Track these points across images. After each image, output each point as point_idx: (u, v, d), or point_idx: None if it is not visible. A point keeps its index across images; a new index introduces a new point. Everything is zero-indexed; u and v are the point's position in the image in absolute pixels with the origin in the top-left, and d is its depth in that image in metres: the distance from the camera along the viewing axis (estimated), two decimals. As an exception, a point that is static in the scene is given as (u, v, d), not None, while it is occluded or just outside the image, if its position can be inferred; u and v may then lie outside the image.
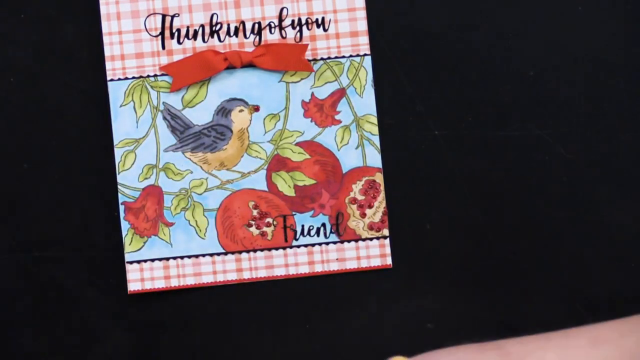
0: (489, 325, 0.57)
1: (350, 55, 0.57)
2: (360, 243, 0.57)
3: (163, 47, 0.57)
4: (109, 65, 0.57)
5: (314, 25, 0.57)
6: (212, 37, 0.57)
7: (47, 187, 0.57)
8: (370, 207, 0.57)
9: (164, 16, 0.57)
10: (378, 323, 0.57)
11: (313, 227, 0.57)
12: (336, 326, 0.57)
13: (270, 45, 0.57)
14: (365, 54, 0.58)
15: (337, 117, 0.57)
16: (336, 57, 0.58)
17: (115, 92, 0.57)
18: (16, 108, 0.57)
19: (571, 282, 0.57)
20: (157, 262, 0.57)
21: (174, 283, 0.57)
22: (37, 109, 0.57)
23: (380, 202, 0.57)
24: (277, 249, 0.57)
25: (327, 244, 0.57)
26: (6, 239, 0.57)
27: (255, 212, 0.57)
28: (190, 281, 0.57)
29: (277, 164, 0.57)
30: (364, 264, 0.57)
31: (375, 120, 0.57)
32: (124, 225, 0.57)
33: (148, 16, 0.57)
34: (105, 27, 0.57)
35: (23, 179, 0.57)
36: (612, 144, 0.57)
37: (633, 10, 0.58)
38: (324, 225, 0.57)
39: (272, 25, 0.57)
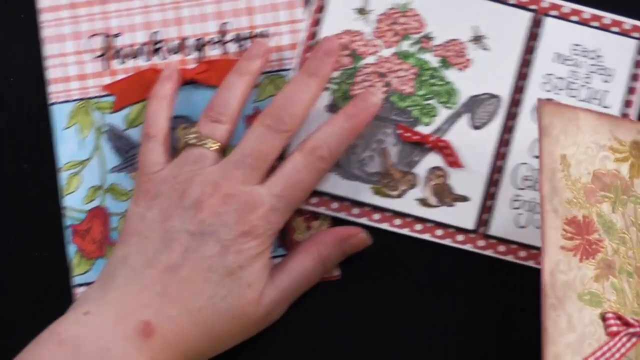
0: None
1: (292, 68, 0.57)
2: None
3: (106, 68, 0.57)
4: (51, 88, 0.57)
5: (256, 38, 0.57)
6: (155, 55, 0.57)
7: (-7, 213, 0.57)
8: (316, 219, 0.57)
9: (106, 36, 0.57)
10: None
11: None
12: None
13: (212, 61, 0.57)
14: (307, 66, 0.57)
15: (281, 130, 0.57)
16: (278, 70, 0.57)
17: (59, 115, 0.57)
18: (-39, 135, 0.57)
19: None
20: (106, 284, 0.56)
21: (124, 305, 0.56)
22: (-20, 135, 0.57)
23: (325, 217, 0.57)
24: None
25: (275, 257, 0.57)
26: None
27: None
28: (140, 302, 0.56)
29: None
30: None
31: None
32: (71, 249, 0.56)
33: (90, 37, 0.57)
34: (47, 49, 0.57)
35: (-31, 206, 0.57)
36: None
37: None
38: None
39: (214, 41, 0.57)
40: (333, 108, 0.57)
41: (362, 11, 0.58)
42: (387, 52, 0.57)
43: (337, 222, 0.57)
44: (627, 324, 0.52)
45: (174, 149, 0.56)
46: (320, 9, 0.57)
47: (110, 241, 0.56)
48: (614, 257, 0.53)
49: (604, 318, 0.52)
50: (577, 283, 0.52)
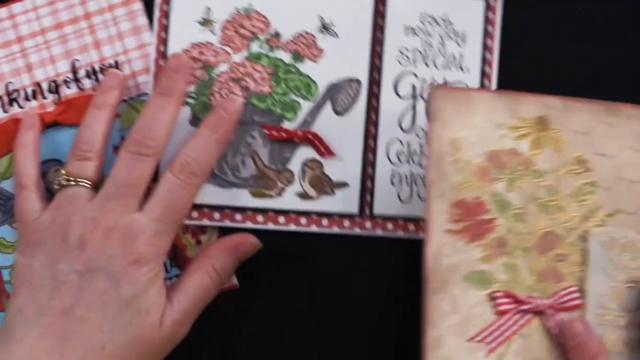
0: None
1: (148, 92, 0.58)
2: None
3: (-32, 126, 0.58)
4: None
5: (109, 69, 0.58)
6: (12, 105, 0.58)
7: None
8: (203, 233, 0.58)
9: (-39, 96, 0.58)
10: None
11: (154, 266, 0.57)
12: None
13: (70, 100, 0.57)
14: (164, 87, 0.58)
15: (151, 154, 0.58)
16: (138, 96, 0.58)
17: None
18: None
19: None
20: (10, 337, 0.57)
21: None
22: None
23: (213, 228, 0.58)
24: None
25: (170, 279, 0.57)
26: None
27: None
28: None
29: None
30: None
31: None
32: (-32, 309, 0.57)
33: (-54, 99, 0.58)
34: None
35: None
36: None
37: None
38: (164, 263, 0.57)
39: (68, 79, 0.58)
40: (196, 121, 0.57)
41: (205, 22, 0.58)
42: (238, 57, 0.58)
43: (224, 231, 0.57)
44: (518, 301, 0.53)
45: (50, 193, 0.57)
46: (165, 28, 0.58)
47: (7, 293, 0.57)
48: (508, 235, 0.54)
49: (493, 298, 0.53)
50: (462, 265, 0.53)
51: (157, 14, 0.58)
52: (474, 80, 0.58)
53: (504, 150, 0.55)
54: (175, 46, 0.58)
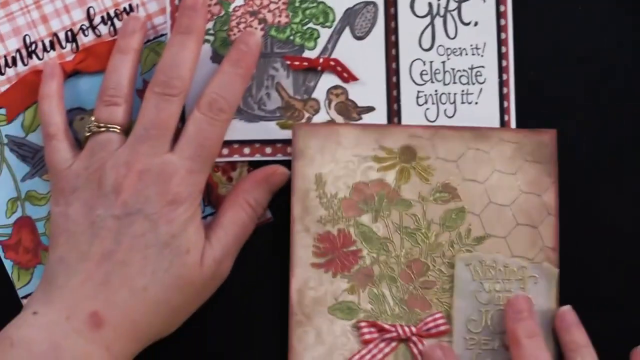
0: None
1: (166, 33, 0.57)
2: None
3: (-11, 83, 0.58)
4: (-58, 116, 0.57)
5: (124, 14, 0.58)
6: (31, 58, 0.57)
7: None
8: (234, 169, 0.58)
9: (-21, 53, 0.57)
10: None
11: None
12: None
13: (89, 48, 0.57)
14: (182, 25, 0.57)
15: (174, 94, 0.58)
16: (155, 38, 0.58)
17: (-44, 139, 0.57)
18: None
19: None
20: (51, 288, 0.57)
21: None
22: None
23: (243, 163, 0.57)
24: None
25: (204, 217, 0.57)
26: None
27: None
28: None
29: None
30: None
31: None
32: (7, 264, 0.57)
33: (-35, 57, 0.57)
34: None
35: None
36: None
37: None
38: (197, 201, 0.57)
39: (84, 27, 0.57)
40: (217, 57, 0.57)
41: None
42: None
43: (254, 166, 0.57)
44: (382, 330, 0.54)
45: (78, 142, 0.57)
46: None
47: (43, 246, 0.57)
48: (374, 266, 0.55)
49: (358, 327, 0.54)
50: (328, 297, 0.54)
51: None
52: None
53: (370, 183, 0.55)
54: None
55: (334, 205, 0.55)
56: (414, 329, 0.54)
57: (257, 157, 0.57)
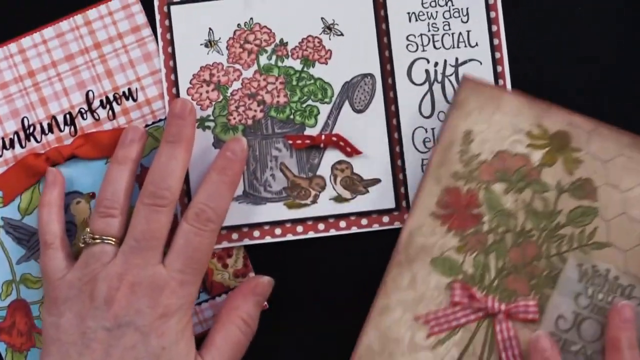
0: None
1: (166, 117, 0.57)
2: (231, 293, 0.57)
3: (-13, 164, 0.57)
4: (-61, 197, 0.57)
5: (123, 98, 0.57)
6: (29, 140, 0.57)
7: None
8: (229, 256, 0.57)
9: (-23, 135, 0.57)
10: None
11: (182, 291, 0.57)
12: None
13: (88, 134, 0.57)
14: (180, 111, 0.58)
15: (171, 180, 0.57)
16: (153, 123, 0.58)
17: (-46, 221, 0.57)
18: None
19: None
20: (44, 371, 0.57)
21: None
22: None
23: (239, 249, 0.57)
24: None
25: (199, 304, 0.57)
26: None
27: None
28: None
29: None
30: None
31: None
32: (1, 347, 0.57)
33: (-37, 139, 0.57)
34: None
35: None
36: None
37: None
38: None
39: (83, 110, 0.57)
40: (219, 143, 0.57)
41: (210, 43, 0.58)
42: (249, 73, 0.58)
43: (256, 248, 0.57)
44: (473, 297, 0.54)
45: (73, 225, 0.57)
46: (172, 56, 0.57)
47: (37, 329, 0.57)
48: (489, 234, 0.55)
49: (451, 287, 0.54)
50: (435, 249, 0.54)
51: (161, 43, 0.57)
52: (485, 55, 0.57)
53: (515, 155, 0.55)
54: (185, 72, 0.57)
55: (472, 165, 0.55)
56: (503, 307, 0.54)
57: (268, 239, 0.57)
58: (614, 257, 0.54)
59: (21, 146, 0.57)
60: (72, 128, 0.57)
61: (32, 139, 0.57)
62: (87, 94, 0.57)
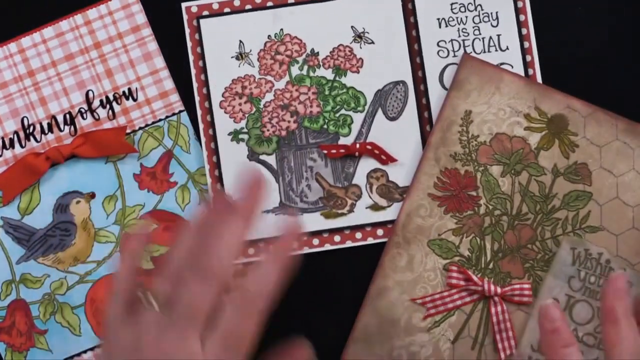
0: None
1: (167, 117, 0.57)
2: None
3: (-13, 164, 0.57)
4: (-61, 197, 0.57)
5: (123, 98, 0.57)
6: (29, 140, 0.57)
7: None
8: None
9: (-23, 134, 0.57)
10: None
11: (182, 291, 0.57)
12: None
13: (88, 133, 0.57)
14: (180, 111, 0.58)
15: (171, 179, 0.57)
16: (153, 123, 0.58)
17: (-47, 221, 0.57)
18: None
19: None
20: (43, 371, 0.57)
21: (67, 386, 0.57)
22: None
23: (239, 248, 0.57)
24: (155, 323, 0.57)
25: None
26: None
27: (122, 295, 0.57)
28: (81, 380, 0.57)
29: (129, 242, 0.57)
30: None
31: (207, 171, 0.57)
32: (1, 347, 0.57)
33: (-37, 139, 0.57)
34: None
35: None
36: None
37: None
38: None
39: (83, 110, 0.57)
40: (253, 155, 0.57)
41: (241, 56, 0.57)
42: (281, 84, 0.58)
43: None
44: (469, 280, 0.55)
45: (73, 225, 0.56)
46: (203, 70, 0.57)
47: (37, 329, 0.57)
48: (486, 217, 0.55)
49: (448, 269, 0.55)
50: (432, 231, 0.55)
51: (191, 57, 0.57)
52: (516, 58, 0.57)
53: (513, 137, 0.56)
54: (217, 87, 0.57)
55: (471, 147, 0.55)
56: (499, 290, 0.55)
57: (306, 249, 0.57)
58: (606, 241, 0.55)
59: (21, 146, 0.57)
60: (72, 128, 0.57)
61: (32, 138, 0.57)
62: (87, 94, 0.57)
